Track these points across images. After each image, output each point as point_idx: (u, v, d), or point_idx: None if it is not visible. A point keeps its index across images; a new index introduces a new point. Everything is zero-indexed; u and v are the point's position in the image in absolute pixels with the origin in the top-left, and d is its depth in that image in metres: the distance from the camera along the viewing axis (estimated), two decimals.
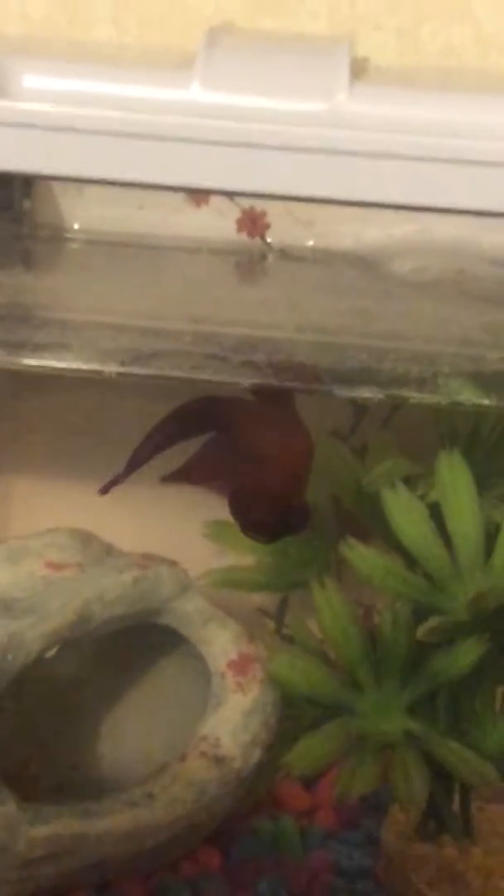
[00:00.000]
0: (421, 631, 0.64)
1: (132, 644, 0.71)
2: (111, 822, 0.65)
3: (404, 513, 0.65)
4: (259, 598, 0.79)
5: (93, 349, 0.58)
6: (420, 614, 0.65)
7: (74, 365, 0.58)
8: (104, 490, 0.65)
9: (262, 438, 0.63)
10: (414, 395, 0.58)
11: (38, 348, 0.57)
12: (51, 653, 0.65)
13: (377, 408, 0.74)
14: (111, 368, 0.57)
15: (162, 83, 0.70)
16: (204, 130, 0.61)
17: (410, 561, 0.67)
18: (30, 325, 0.60)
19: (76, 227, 0.78)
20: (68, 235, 0.78)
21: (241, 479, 0.63)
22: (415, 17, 0.77)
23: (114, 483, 0.65)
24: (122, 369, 0.57)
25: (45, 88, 0.70)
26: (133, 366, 0.57)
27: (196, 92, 0.69)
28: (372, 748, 0.65)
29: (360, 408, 0.75)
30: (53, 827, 0.63)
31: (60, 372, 0.58)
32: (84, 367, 0.58)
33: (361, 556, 0.65)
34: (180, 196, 0.79)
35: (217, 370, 0.57)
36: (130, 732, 0.73)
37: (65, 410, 0.81)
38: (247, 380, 0.57)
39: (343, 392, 0.57)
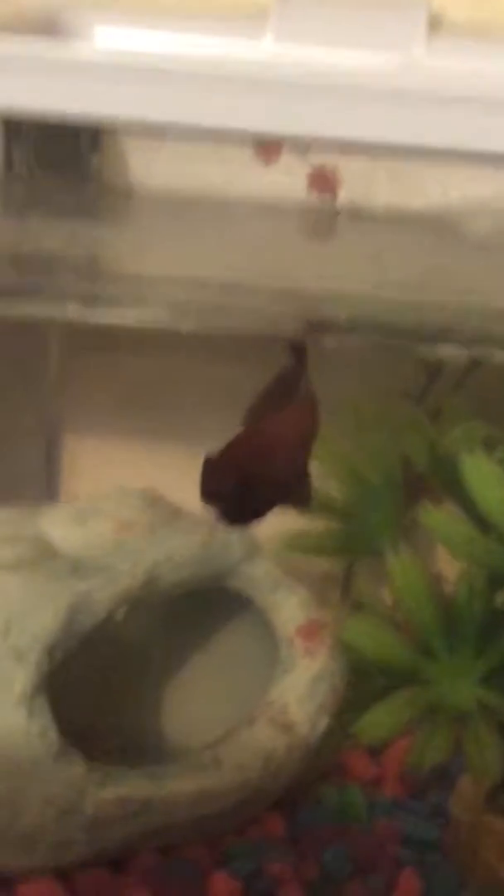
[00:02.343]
0: (499, 599, 0.62)
1: (200, 607, 0.70)
2: (178, 785, 0.64)
3: (482, 477, 0.63)
4: (324, 565, 0.78)
5: (168, 303, 0.57)
6: (496, 582, 0.63)
7: (149, 319, 0.56)
8: None
9: (267, 410, 0.59)
10: (497, 354, 0.56)
11: (113, 302, 0.56)
12: (119, 614, 0.64)
13: (450, 371, 0.72)
14: (186, 324, 0.56)
15: (235, 35, 0.69)
16: (278, 77, 0.59)
17: (485, 526, 0.65)
18: (105, 279, 0.59)
19: (144, 183, 0.77)
20: (136, 192, 0.77)
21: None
22: None
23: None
24: (196, 324, 0.56)
25: (117, 40, 0.69)
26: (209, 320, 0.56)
27: (270, 44, 0.67)
28: (444, 718, 0.63)
29: (432, 370, 0.73)
30: (121, 789, 0.63)
31: (135, 326, 0.57)
32: (159, 321, 0.56)
33: (439, 521, 0.64)
34: (249, 154, 0.77)
35: (293, 326, 0.56)
36: (195, 696, 0.72)
37: (133, 370, 0.80)
38: (324, 336, 0.56)
39: (425, 350, 0.55)
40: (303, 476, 0.59)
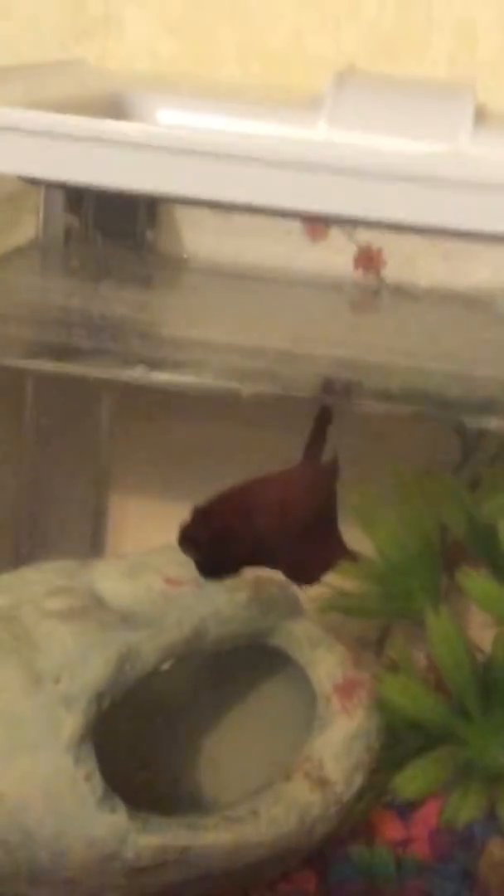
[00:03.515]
0: None
1: (241, 662, 0.72)
2: (216, 836, 0.66)
3: None
4: (360, 626, 0.80)
5: (229, 369, 0.60)
6: None
7: (212, 383, 0.59)
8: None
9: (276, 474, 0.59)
10: None
11: (177, 366, 0.59)
12: (165, 666, 0.66)
13: (488, 442, 0.75)
14: (248, 388, 0.59)
15: (290, 122, 0.72)
16: (330, 161, 0.62)
17: None
18: (164, 345, 0.62)
19: (196, 257, 0.81)
20: (189, 265, 0.81)
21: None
22: None
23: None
24: (257, 390, 0.59)
25: (178, 124, 0.73)
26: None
27: (323, 131, 0.71)
28: (479, 777, 0.65)
29: (469, 443, 0.76)
30: (161, 838, 0.64)
31: (195, 391, 0.60)
32: (220, 386, 0.59)
33: (478, 585, 0.66)
34: (298, 231, 0.81)
35: (352, 396, 0.59)
36: (233, 749, 0.74)
37: (179, 433, 0.83)
38: (378, 405, 0.59)
39: (472, 421, 0.58)
40: (313, 551, 0.59)
